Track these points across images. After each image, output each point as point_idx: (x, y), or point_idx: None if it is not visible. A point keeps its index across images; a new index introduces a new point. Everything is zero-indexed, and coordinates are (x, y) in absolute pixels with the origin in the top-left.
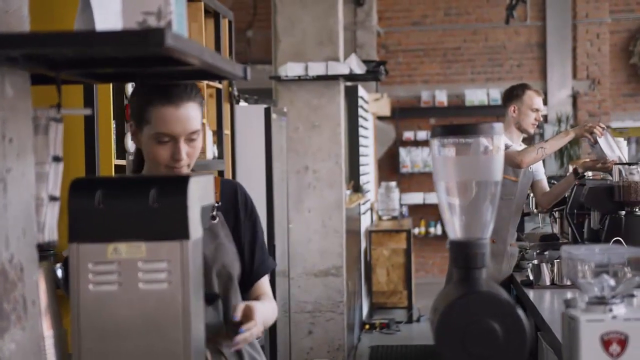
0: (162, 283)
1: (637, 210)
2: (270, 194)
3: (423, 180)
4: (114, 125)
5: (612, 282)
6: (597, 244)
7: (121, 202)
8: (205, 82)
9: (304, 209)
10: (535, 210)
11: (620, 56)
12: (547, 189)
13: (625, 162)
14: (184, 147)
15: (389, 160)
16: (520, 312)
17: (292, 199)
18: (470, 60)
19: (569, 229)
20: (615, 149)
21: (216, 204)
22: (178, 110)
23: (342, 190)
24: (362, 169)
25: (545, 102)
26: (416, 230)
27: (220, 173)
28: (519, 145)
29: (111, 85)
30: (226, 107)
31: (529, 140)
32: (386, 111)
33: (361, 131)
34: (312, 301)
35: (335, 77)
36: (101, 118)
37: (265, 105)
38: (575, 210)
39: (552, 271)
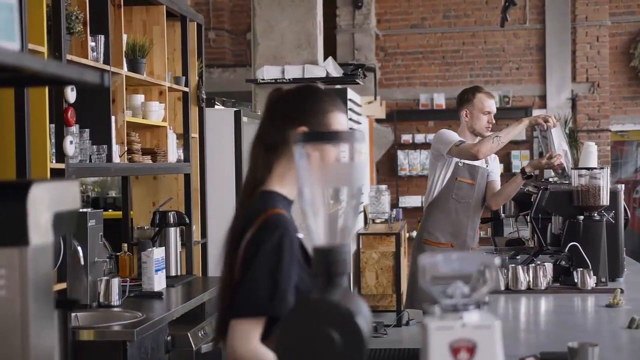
0: (0, 290)
1: (595, 215)
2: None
3: (421, 183)
4: (54, 129)
5: (465, 289)
6: (557, 247)
7: None
8: (168, 84)
9: None
10: (503, 215)
11: (621, 59)
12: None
13: (569, 158)
14: None
15: (387, 163)
16: (360, 321)
17: None
18: (469, 63)
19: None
20: (564, 145)
21: None
22: (345, 116)
23: None
24: None
25: (544, 105)
26: (414, 233)
27: (187, 176)
28: None
29: (47, 89)
30: (194, 110)
31: None
32: (381, 114)
33: None
34: None
35: (312, 81)
36: (35, 121)
37: (235, 109)
38: (540, 215)
39: (507, 276)
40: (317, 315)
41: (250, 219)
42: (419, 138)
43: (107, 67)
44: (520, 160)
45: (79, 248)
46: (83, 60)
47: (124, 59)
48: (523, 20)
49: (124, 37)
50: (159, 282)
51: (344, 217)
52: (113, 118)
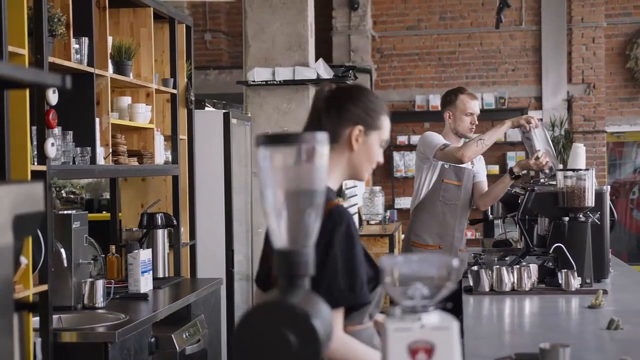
0: None
1: (580, 216)
2: (229, 198)
3: None
4: (35, 131)
5: (425, 291)
6: (544, 248)
7: None
8: (155, 86)
9: None
10: (491, 216)
11: (617, 60)
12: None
13: (554, 156)
14: None
15: (383, 165)
16: (317, 323)
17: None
18: (465, 64)
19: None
20: (547, 145)
21: None
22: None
23: None
24: None
25: (540, 107)
26: None
27: (175, 178)
28: None
29: (27, 91)
30: (182, 112)
31: None
32: None
33: None
34: None
35: (303, 82)
36: (15, 123)
37: (224, 110)
38: (527, 216)
39: (491, 277)
40: (274, 316)
41: None
42: (415, 139)
43: (91, 70)
44: (516, 161)
45: (62, 250)
46: (66, 63)
47: (109, 61)
48: (519, 21)
49: (109, 39)
50: (145, 284)
51: (305, 219)
52: (97, 120)
